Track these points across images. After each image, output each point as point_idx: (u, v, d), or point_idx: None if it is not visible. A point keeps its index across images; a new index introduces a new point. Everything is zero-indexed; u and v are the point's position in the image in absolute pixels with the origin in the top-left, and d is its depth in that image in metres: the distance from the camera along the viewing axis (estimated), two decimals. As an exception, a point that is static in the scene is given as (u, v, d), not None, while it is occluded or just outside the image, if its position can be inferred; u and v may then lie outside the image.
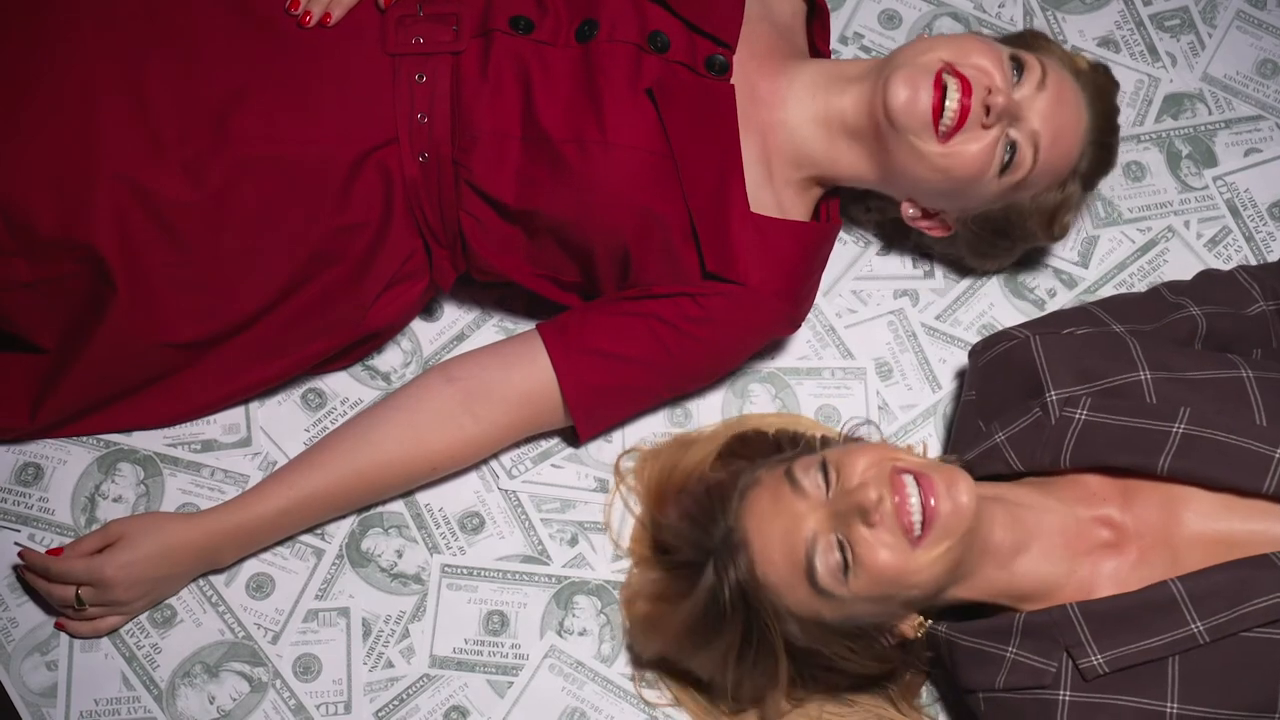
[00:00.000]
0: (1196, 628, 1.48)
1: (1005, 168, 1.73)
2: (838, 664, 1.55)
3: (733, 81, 1.74)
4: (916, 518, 1.47)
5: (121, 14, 1.65)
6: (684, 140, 1.68)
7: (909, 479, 1.48)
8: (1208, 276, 1.84)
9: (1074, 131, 1.75)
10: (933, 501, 1.46)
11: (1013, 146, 1.72)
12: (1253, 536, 1.52)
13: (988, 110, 1.69)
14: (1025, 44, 1.79)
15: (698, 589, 1.54)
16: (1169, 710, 1.48)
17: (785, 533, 1.49)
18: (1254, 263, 1.95)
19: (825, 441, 1.67)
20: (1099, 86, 1.80)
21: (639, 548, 1.75)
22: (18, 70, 1.62)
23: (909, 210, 1.83)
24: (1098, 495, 1.58)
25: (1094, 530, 1.57)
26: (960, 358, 1.90)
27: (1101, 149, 1.81)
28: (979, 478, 1.56)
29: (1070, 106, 1.75)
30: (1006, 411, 1.67)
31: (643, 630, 1.67)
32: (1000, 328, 1.91)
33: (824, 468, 1.51)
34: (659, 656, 1.66)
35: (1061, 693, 1.51)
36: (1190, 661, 1.48)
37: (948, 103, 1.68)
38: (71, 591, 1.64)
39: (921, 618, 1.56)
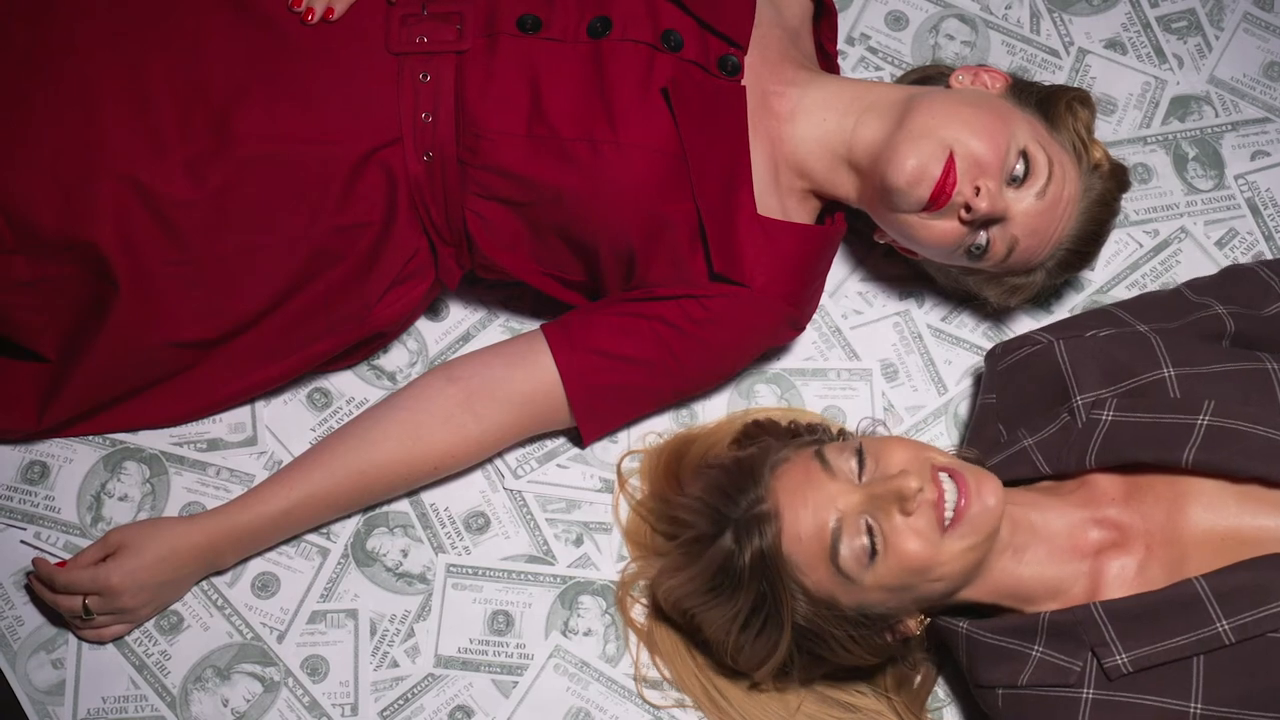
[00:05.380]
0: (1222, 627, 1.47)
1: (972, 254, 1.74)
2: (834, 650, 1.55)
3: (743, 83, 1.74)
4: (950, 513, 1.48)
5: (125, 13, 1.66)
6: (696, 140, 1.69)
7: (944, 476, 1.50)
8: (1230, 273, 1.83)
9: (1055, 238, 1.75)
10: (963, 501, 1.48)
11: (987, 242, 1.73)
12: (1261, 532, 1.52)
13: (967, 208, 1.69)
14: (1054, 111, 1.76)
15: (711, 553, 1.54)
16: (1192, 710, 1.48)
17: (816, 510, 1.49)
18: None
19: (843, 433, 1.68)
20: (1105, 197, 1.78)
21: (637, 540, 1.75)
22: (22, 69, 1.63)
23: (880, 238, 1.85)
24: (1105, 495, 1.59)
25: (1097, 532, 1.57)
26: (967, 359, 1.90)
27: (1077, 255, 1.80)
28: (1006, 482, 1.56)
29: (1060, 217, 1.74)
30: (1031, 416, 1.67)
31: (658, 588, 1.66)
32: (1007, 330, 1.92)
33: (859, 455, 1.52)
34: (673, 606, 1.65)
35: (1085, 691, 1.51)
36: (1215, 661, 1.48)
37: (940, 191, 1.69)
38: (79, 602, 1.64)
39: (924, 616, 1.56)
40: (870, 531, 1.47)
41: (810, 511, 1.49)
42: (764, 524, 1.50)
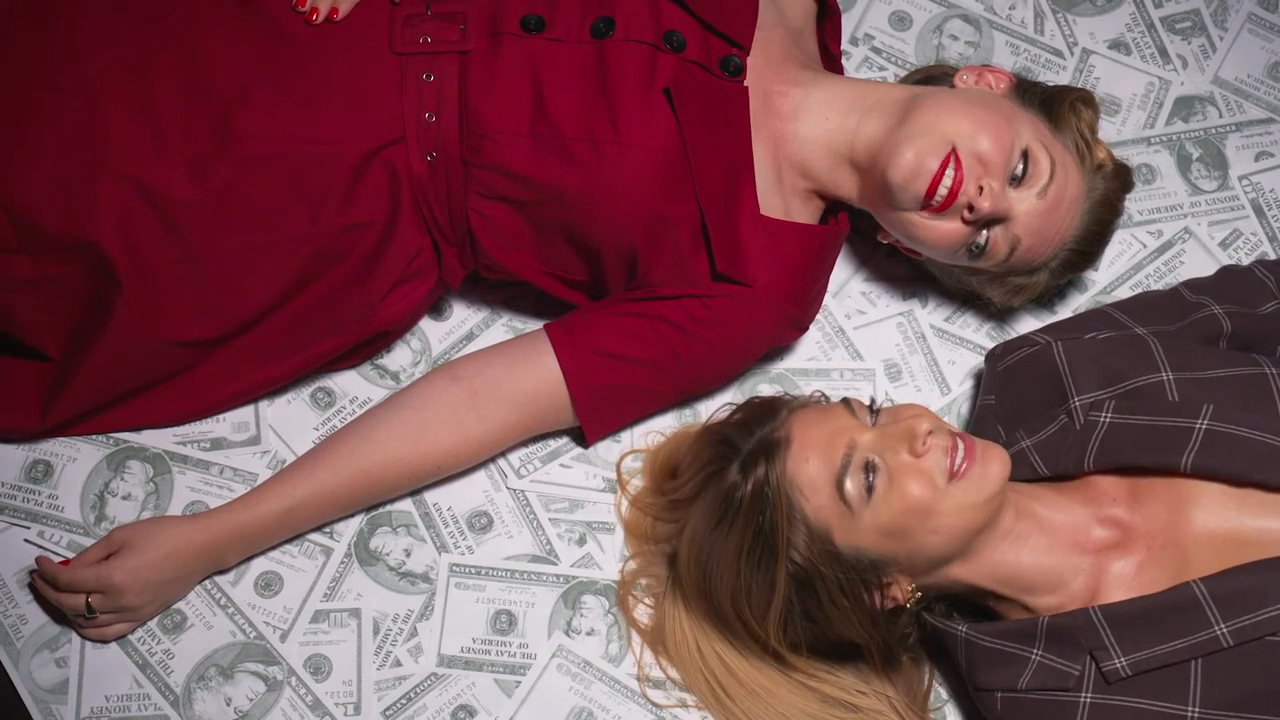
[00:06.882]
0: (1220, 630, 1.47)
1: (973, 253, 1.74)
2: (824, 605, 1.54)
3: (746, 84, 1.74)
4: (946, 464, 1.50)
5: (127, 13, 1.66)
6: (698, 140, 1.69)
7: (953, 437, 1.52)
8: (1227, 273, 1.84)
9: (1058, 238, 1.75)
10: (967, 462, 1.50)
11: (986, 241, 1.73)
12: (1263, 534, 1.52)
13: (970, 208, 1.69)
14: (1057, 111, 1.76)
15: (717, 482, 1.56)
16: (1190, 714, 1.48)
17: (831, 436, 1.52)
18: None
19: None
20: (1108, 197, 1.78)
21: (637, 532, 1.75)
22: (23, 69, 1.63)
23: (883, 238, 1.85)
24: (1108, 495, 1.59)
25: (1101, 530, 1.57)
26: (970, 360, 1.90)
27: (1080, 255, 1.79)
28: None
29: (1063, 217, 1.73)
30: (1029, 418, 1.67)
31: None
32: (1010, 330, 1.92)
33: (874, 409, 1.55)
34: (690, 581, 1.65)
35: (1083, 695, 1.51)
36: (1213, 664, 1.48)
37: (939, 187, 1.69)
38: (82, 600, 1.64)
39: (914, 586, 1.56)
40: (871, 470, 1.49)
41: (824, 437, 1.52)
42: (772, 450, 1.52)
